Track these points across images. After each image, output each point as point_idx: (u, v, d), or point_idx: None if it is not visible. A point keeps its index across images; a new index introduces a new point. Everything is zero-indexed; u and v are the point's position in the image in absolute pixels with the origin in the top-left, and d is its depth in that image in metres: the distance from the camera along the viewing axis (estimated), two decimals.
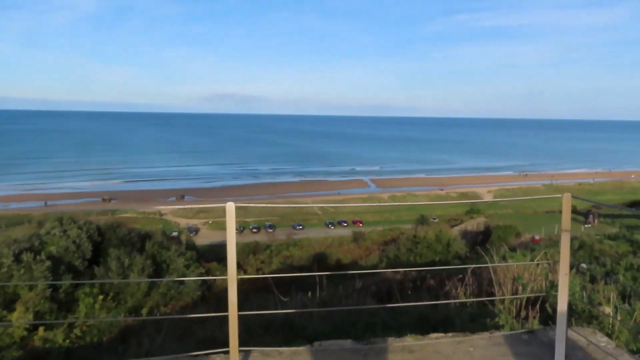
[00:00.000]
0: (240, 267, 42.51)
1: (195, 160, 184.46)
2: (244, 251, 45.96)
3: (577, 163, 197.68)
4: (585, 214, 47.27)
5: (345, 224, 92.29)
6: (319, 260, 38.96)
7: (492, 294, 8.17)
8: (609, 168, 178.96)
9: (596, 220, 44.03)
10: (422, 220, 52.69)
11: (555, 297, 8.44)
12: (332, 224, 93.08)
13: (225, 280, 4.15)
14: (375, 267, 32.05)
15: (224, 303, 4.10)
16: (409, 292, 14.77)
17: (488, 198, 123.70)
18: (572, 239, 26.63)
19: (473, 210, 59.25)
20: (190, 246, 24.81)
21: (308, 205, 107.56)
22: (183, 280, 17.38)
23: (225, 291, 4.20)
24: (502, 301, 7.65)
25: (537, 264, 8.94)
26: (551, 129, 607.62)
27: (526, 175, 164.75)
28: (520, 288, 7.69)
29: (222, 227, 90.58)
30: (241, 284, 35.04)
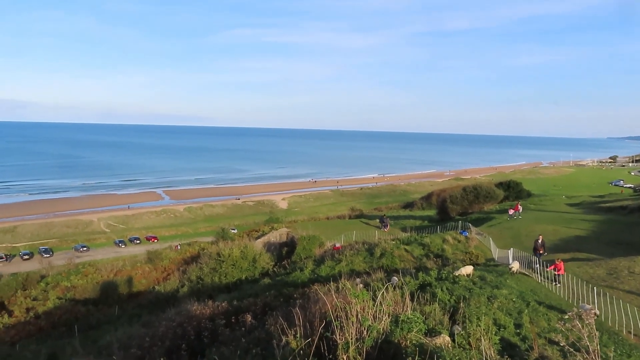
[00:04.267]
0: (4, 308, 34.71)
1: None
2: (9, 286, 37.90)
3: (357, 169, 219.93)
4: (380, 219, 51.48)
5: (138, 241, 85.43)
6: (108, 292, 34.03)
7: (330, 339, 6.91)
8: (383, 173, 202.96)
9: (388, 226, 47.97)
10: (222, 233, 50.82)
11: (399, 334, 7.61)
12: (123, 242, 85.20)
13: None
14: (176, 292, 29.19)
15: None
16: (225, 332, 12.84)
17: (283, 205, 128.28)
18: (374, 246, 28.00)
19: (272, 220, 59.67)
20: None
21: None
22: None
23: None
24: (346, 349, 6.43)
25: (378, 300, 8.01)
26: (332, 139, 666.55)
27: (315, 182, 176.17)
28: (365, 331, 6.56)
29: None
30: (4, 331, 28.45)
